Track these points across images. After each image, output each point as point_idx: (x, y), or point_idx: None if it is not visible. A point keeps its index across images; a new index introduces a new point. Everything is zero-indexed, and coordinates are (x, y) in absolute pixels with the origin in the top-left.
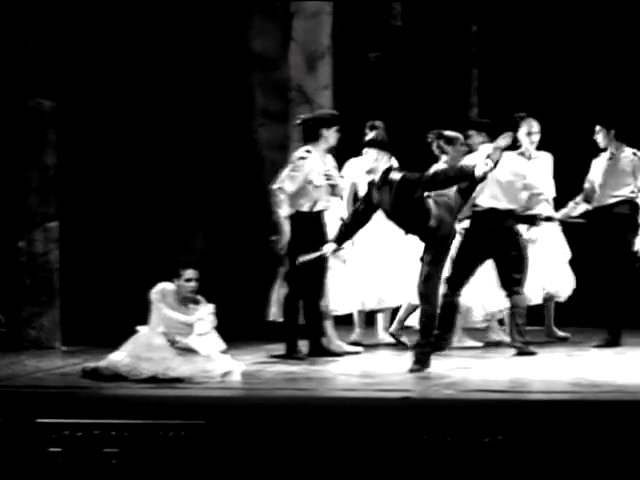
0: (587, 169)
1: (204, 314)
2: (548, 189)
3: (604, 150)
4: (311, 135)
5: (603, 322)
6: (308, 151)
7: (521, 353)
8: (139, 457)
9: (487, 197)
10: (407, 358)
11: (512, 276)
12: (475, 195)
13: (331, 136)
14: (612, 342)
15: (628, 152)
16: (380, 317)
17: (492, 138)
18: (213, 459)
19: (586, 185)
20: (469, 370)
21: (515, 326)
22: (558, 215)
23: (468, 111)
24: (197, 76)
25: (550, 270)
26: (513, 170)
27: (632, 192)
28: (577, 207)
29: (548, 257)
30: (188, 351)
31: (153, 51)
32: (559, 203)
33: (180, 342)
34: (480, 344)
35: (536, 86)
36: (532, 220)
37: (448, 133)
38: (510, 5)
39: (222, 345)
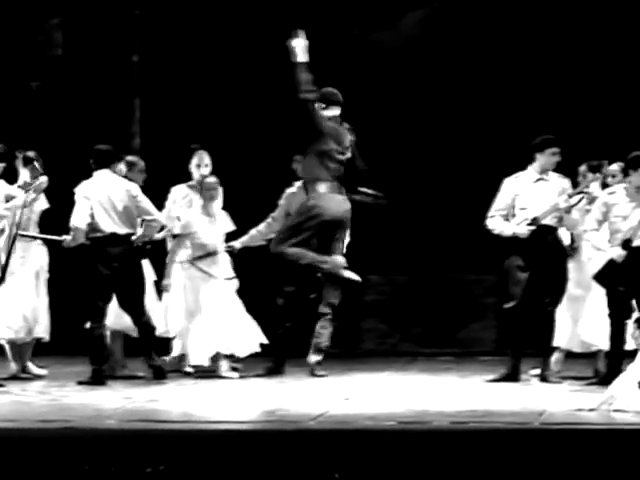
0: (258, 200)
1: None
2: (224, 221)
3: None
4: None
5: (267, 351)
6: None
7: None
8: None
9: (109, 222)
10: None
11: (132, 302)
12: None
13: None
14: (274, 370)
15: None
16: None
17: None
18: None
19: (275, 215)
20: (131, 400)
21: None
22: (237, 244)
23: (130, 140)
24: None
25: None
26: (130, 194)
27: None
28: (259, 235)
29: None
30: None
31: None
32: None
33: None
34: (143, 374)
35: (198, 115)
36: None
37: (129, 158)
38: (171, 35)
39: None
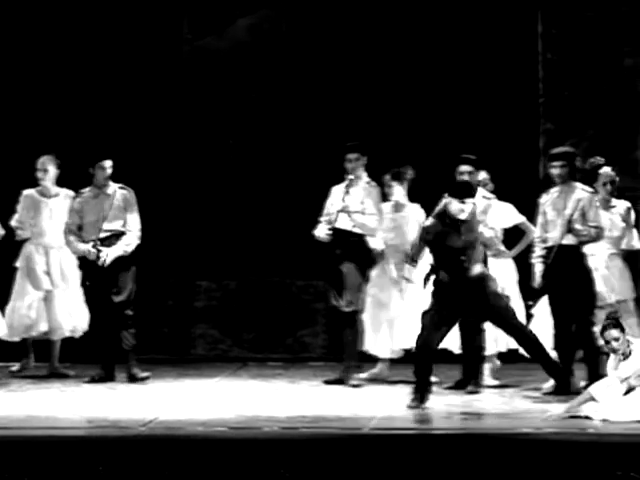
0: None
1: None
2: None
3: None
4: None
5: (96, 358)
6: None
7: None
8: None
9: None
10: None
11: None
12: None
13: None
14: (105, 377)
15: (114, 187)
16: None
17: None
18: None
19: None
20: None
21: None
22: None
23: None
24: None
25: (70, 308)
26: None
27: (123, 226)
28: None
29: (70, 294)
30: None
31: None
32: None
33: None
34: None
35: (41, 121)
36: None
37: None
38: (12, 38)
39: None
